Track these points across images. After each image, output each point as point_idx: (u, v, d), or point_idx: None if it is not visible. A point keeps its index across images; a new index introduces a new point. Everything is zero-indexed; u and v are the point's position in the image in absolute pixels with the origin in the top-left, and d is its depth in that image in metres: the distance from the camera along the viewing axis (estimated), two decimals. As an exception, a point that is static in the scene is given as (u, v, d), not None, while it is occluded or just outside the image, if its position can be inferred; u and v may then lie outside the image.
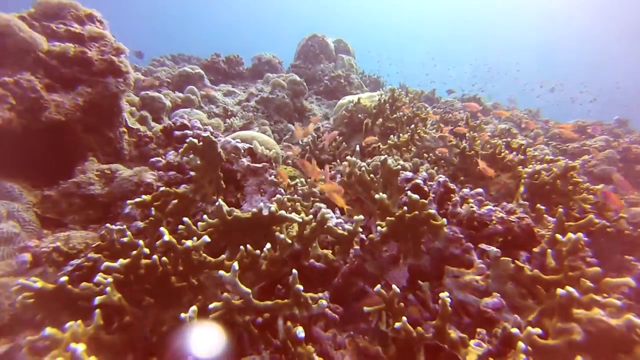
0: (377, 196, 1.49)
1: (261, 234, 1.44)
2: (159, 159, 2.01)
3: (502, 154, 2.06)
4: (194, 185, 1.63)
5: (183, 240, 1.12)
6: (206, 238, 1.15)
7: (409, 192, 1.41)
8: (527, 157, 2.27)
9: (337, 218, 1.73)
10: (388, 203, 1.49)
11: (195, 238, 1.12)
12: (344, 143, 2.86)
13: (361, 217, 1.39)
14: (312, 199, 2.11)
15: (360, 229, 1.39)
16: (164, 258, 1.11)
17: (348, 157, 2.16)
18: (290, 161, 3.34)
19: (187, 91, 4.35)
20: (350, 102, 3.05)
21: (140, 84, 4.89)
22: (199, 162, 1.63)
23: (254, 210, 1.39)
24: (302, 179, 2.24)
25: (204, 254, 1.19)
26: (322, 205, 1.75)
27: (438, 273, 1.44)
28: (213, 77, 5.71)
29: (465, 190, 1.54)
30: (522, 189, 1.78)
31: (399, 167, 1.59)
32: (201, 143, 1.64)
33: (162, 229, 1.09)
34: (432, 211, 1.29)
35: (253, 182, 2.02)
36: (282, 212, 1.33)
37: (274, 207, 1.34)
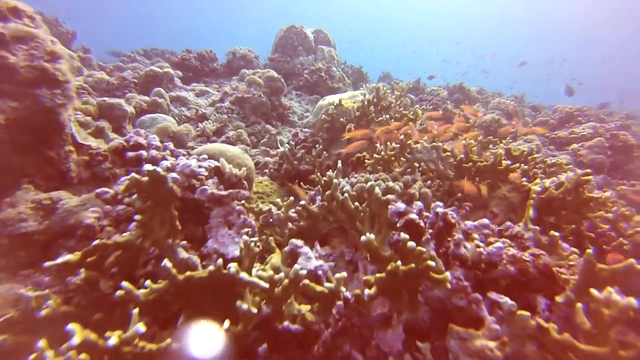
0: (363, 238, 1.22)
1: (224, 291, 1.16)
2: (106, 190, 1.69)
3: (504, 165, 1.82)
4: (141, 230, 1.33)
5: (108, 334, 0.83)
6: (140, 328, 0.86)
7: (402, 235, 1.14)
8: (530, 165, 2.04)
9: (318, 259, 1.46)
10: (377, 245, 1.23)
11: (117, 336, 0.83)
12: (324, 152, 2.57)
13: (344, 274, 1.12)
14: (289, 225, 1.83)
15: (343, 288, 1.13)
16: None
17: (329, 173, 1.88)
18: (268, 170, 3.05)
19: (154, 94, 3.97)
20: (330, 104, 2.76)
21: (112, 86, 4.48)
22: (144, 203, 1.33)
23: (211, 268, 1.11)
24: (278, 200, 1.96)
25: (141, 343, 0.91)
26: (298, 242, 1.47)
27: (439, 328, 1.19)
28: (185, 75, 5.30)
29: (469, 224, 1.29)
30: (531, 211, 1.54)
31: (389, 197, 1.33)
32: (147, 178, 1.33)
33: (70, 327, 0.80)
34: (432, 263, 1.03)
35: (218, 213, 1.73)
36: (243, 275, 1.05)
37: (233, 268, 1.06)
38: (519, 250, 1.40)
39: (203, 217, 1.78)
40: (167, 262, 1.04)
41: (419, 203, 1.33)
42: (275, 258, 1.53)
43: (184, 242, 1.58)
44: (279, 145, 3.86)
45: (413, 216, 1.25)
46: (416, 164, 1.91)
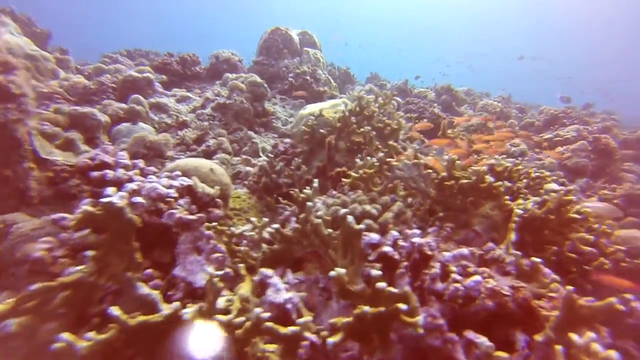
0: (332, 273, 1.14)
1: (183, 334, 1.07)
2: (63, 215, 1.58)
3: (486, 183, 1.76)
4: (96, 265, 1.23)
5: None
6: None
7: (373, 273, 1.07)
8: (514, 179, 1.99)
9: (289, 289, 1.38)
10: (346, 280, 1.15)
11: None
12: (303, 166, 2.49)
13: (308, 318, 1.04)
14: (264, 247, 1.74)
15: (309, 332, 1.05)
16: None
17: (305, 191, 1.81)
18: (247, 181, 2.95)
19: (131, 101, 3.83)
20: (310, 114, 2.68)
21: (89, 90, 4.32)
22: (100, 236, 1.23)
23: (166, 312, 1.02)
24: (254, 219, 1.87)
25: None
26: (268, 272, 1.39)
27: (414, 368, 1.12)
28: (167, 79, 5.15)
29: (446, 255, 1.22)
30: (512, 235, 1.48)
31: (361, 227, 1.25)
32: (101, 212, 1.23)
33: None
34: (402, 307, 0.96)
35: (187, 238, 1.63)
36: (199, 322, 0.96)
37: (189, 314, 0.98)
38: (499, 278, 1.34)
39: (172, 240, 1.68)
40: (114, 311, 0.95)
41: (394, 232, 1.26)
42: (245, 287, 1.44)
43: (149, 271, 1.49)
44: (260, 154, 3.77)
45: (386, 249, 1.18)
46: (397, 182, 1.84)
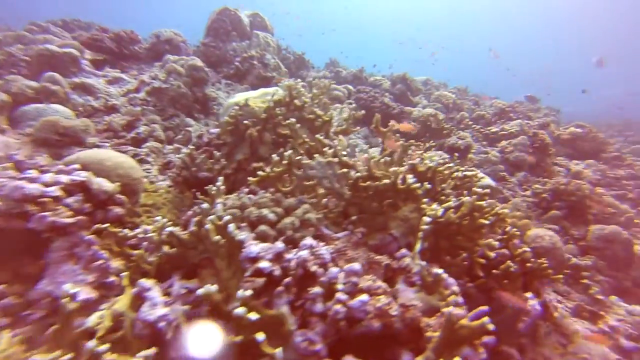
0: (200, 291, 1.00)
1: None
2: None
3: (406, 185, 1.68)
4: None
5: None
6: None
7: (239, 294, 0.94)
8: (438, 180, 1.93)
9: (170, 302, 1.22)
10: (217, 299, 1.02)
11: None
12: (222, 160, 2.31)
13: (149, 352, 0.90)
14: (163, 249, 1.57)
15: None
16: None
17: (212, 189, 1.65)
18: (172, 172, 2.72)
19: (45, 79, 3.41)
20: (236, 103, 2.48)
21: None
22: None
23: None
24: (158, 218, 1.67)
25: None
26: (146, 283, 1.22)
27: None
28: (101, 58, 4.67)
29: (334, 271, 1.12)
30: (418, 245, 1.41)
31: (243, 237, 1.11)
32: None
33: None
34: (260, 337, 0.84)
35: (61, 245, 1.42)
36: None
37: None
38: (403, 289, 1.27)
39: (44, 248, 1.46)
40: None
41: (279, 244, 1.13)
42: (122, 302, 1.27)
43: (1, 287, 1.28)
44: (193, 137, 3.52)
45: (263, 265, 1.05)
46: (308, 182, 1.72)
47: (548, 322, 1.91)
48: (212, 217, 1.34)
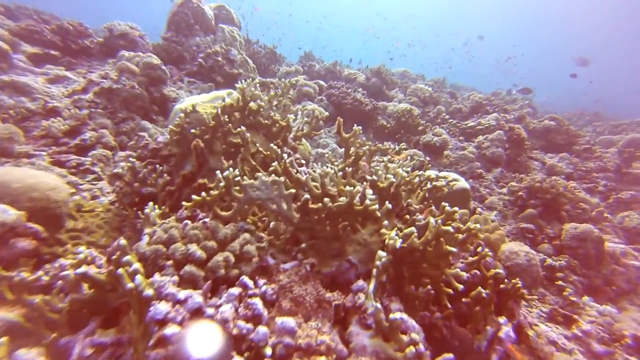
0: None
1: None
2: None
3: (363, 206, 1.49)
4: None
5: None
6: None
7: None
8: (401, 196, 1.75)
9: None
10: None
11: None
12: (165, 174, 2.06)
13: None
14: (82, 289, 1.33)
15: None
16: None
17: (145, 214, 1.42)
18: (117, 186, 2.45)
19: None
20: (182, 110, 2.23)
21: None
22: None
23: None
24: (81, 249, 1.43)
25: None
26: (22, 352, 0.99)
27: None
28: (44, 54, 4.26)
29: (261, 332, 0.92)
30: (372, 285, 1.23)
31: (148, 294, 0.90)
32: None
33: None
34: None
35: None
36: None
37: None
38: (357, 332, 1.09)
39: None
40: None
41: (196, 298, 0.92)
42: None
43: None
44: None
45: (170, 331, 0.84)
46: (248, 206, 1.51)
47: (522, 345, 1.78)
48: (126, 258, 1.11)
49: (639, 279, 3.41)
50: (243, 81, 2.63)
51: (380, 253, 1.25)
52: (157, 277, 1.10)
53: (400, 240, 1.29)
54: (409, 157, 2.11)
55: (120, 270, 1.08)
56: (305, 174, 2.23)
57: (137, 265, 0.97)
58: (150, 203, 1.51)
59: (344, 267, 1.53)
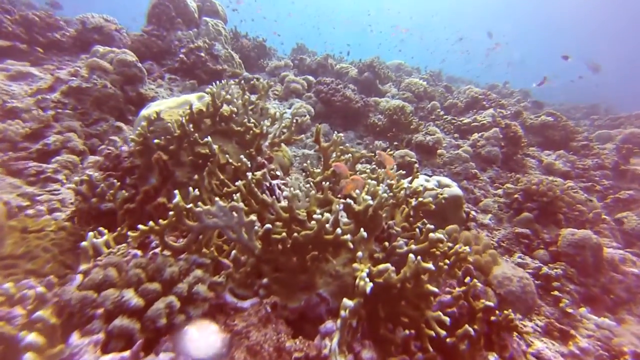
0: None
1: None
2: None
3: (334, 235, 1.30)
4: None
5: None
6: None
7: None
8: (381, 218, 1.55)
9: None
10: None
11: None
12: (123, 190, 1.86)
13: None
14: None
15: None
16: None
17: (83, 247, 1.23)
18: (76, 199, 2.23)
19: None
20: (146, 117, 2.01)
21: None
22: None
23: None
24: (6, 286, 1.23)
25: None
26: None
27: None
28: (6, 47, 3.98)
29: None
30: (336, 338, 1.04)
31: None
32: None
33: None
34: None
35: None
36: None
37: None
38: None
39: None
40: None
41: None
42: None
43: None
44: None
45: None
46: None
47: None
48: (37, 315, 0.92)
49: (638, 288, 3.26)
50: (216, 83, 2.41)
51: (346, 302, 1.06)
52: (74, 338, 0.91)
53: (371, 285, 1.10)
54: (396, 178, 1.91)
55: (39, 325, 0.89)
56: (279, 188, 2.03)
57: (31, 337, 0.77)
58: (90, 233, 1.32)
59: (314, 301, 1.35)
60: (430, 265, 1.16)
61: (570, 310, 2.93)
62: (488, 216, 4.04)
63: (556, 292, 3.07)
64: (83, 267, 1.21)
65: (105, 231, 1.59)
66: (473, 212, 4.02)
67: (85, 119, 3.36)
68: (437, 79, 11.00)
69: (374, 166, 2.18)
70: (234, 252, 1.39)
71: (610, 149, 6.73)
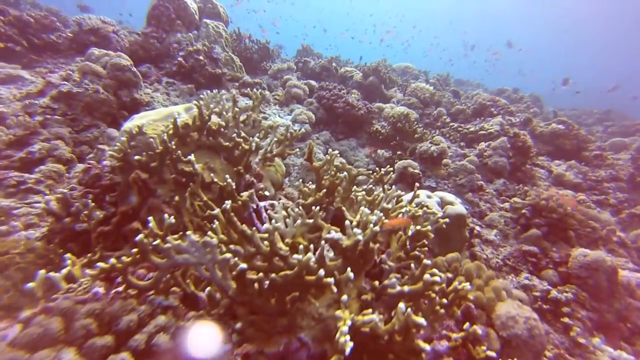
0: None
1: None
2: None
3: (316, 277, 1.14)
4: None
5: None
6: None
7: None
8: (374, 252, 1.39)
9: None
10: None
11: None
12: (97, 212, 1.72)
13: None
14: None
15: None
16: None
17: (28, 288, 1.09)
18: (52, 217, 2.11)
19: None
20: (127, 131, 1.87)
21: None
22: None
23: None
24: None
25: None
26: None
27: None
28: (6, 50, 3.90)
29: None
30: None
31: None
32: None
33: None
34: None
35: None
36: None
37: None
38: None
39: None
40: None
41: None
42: None
43: None
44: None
45: None
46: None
47: None
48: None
49: (656, 315, 3.05)
50: (209, 92, 2.27)
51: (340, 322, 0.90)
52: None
53: (351, 345, 0.94)
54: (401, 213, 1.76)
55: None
56: (267, 209, 1.88)
57: None
58: (41, 271, 1.17)
59: (294, 346, 1.20)
60: (422, 321, 1.00)
61: (582, 341, 2.74)
62: (494, 232, 3.85)
63: (566, 319, 2.88)
64: (25, 314, 1.06)
65: (71, 259, 1.45)
66: (477, 228, 3.83)
67: (75, 125, 3.24)
68: (445, 83, 10.77)
69: (371, 185, 2.02)
70: (208, 288, 1.24)
71: (625, 159, 6.48)
